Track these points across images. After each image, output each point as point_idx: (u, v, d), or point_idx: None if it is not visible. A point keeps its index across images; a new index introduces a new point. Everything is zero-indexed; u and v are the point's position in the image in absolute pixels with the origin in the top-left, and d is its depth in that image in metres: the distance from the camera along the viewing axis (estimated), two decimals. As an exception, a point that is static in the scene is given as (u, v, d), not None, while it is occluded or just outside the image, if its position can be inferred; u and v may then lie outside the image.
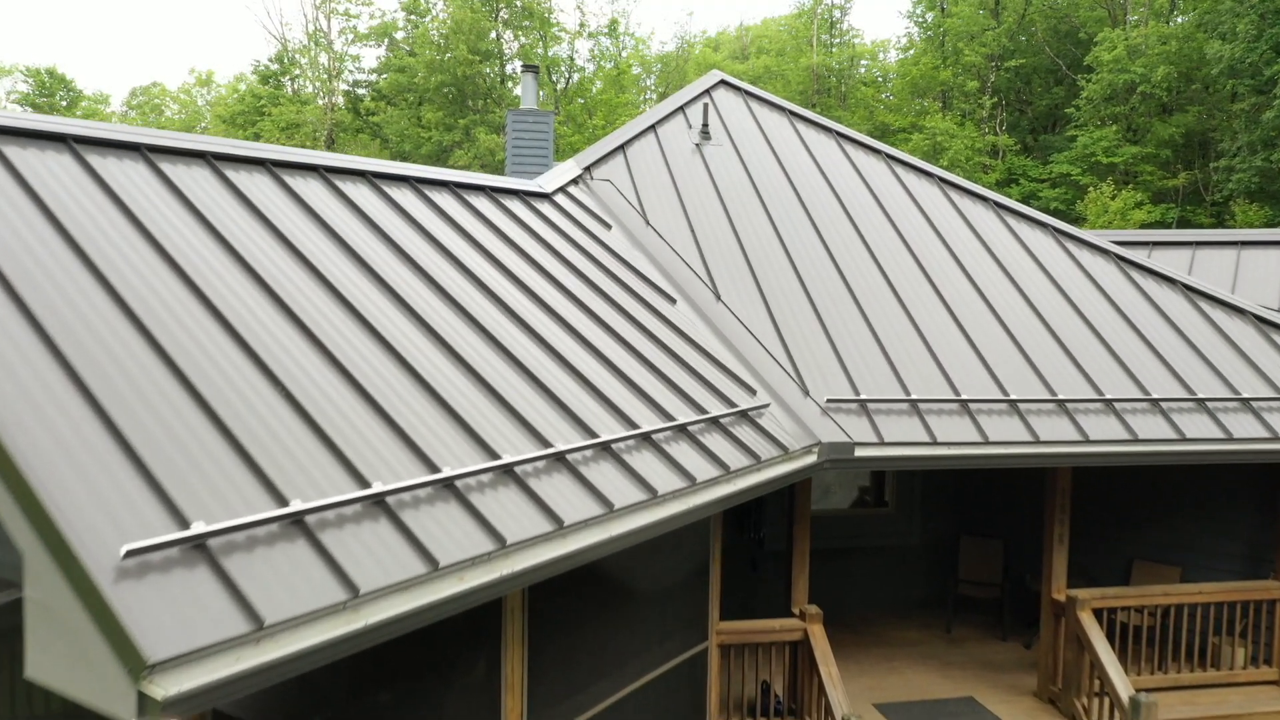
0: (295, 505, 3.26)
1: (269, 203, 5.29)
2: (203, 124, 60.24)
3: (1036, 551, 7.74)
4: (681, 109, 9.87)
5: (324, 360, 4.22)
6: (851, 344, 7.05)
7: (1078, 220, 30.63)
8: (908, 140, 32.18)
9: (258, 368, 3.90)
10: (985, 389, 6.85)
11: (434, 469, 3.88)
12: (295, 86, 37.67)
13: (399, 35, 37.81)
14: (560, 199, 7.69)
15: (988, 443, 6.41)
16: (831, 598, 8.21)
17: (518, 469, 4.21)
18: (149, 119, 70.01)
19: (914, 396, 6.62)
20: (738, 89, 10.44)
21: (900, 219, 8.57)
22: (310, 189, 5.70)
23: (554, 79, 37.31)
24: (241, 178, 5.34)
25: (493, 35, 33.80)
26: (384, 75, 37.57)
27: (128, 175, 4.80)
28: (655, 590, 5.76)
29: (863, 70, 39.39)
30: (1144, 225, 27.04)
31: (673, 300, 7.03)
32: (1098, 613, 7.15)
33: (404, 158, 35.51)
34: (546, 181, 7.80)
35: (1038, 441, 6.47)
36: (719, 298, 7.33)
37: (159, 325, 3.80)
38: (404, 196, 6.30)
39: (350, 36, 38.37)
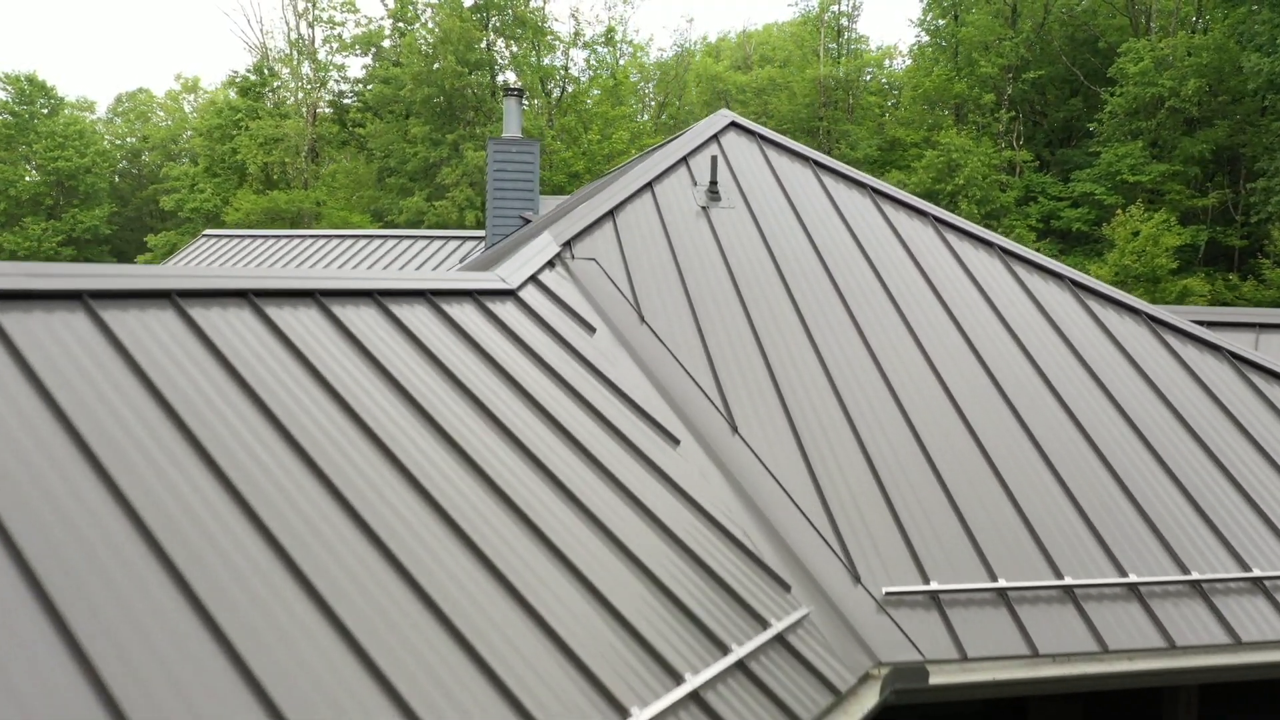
0: None
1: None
2: (187, 132, 58.58)
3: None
4: (684, 160, 8.13)
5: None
6: (912, 496, 5.32)
7: (1101, 243, 28.92)
8: (921, 157, 30.45)
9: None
10: (1092, 561, 5.12)
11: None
12: (276, 99, 35.91)
13: (385, 44, 36.05)
14: (530, 295, 5.94)
15: (1106, 653, 4.69)
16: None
17: None
18: (134, 126, 68.37)
19: (1002, 583, 4.89)
20: (751, 133, 8.70)
21: (961, 309, 6.82)
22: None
23: (549, 87, 35.58)
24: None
25: (483, 45, 32.04)
26: (369, 86, 35.82)
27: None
28: None
29: (869, 78, 37.66)
30: (1176, 250, 25.31)
31: (675, 440, 5.29)
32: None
33: (390, 174, 33.78)
34: (512, 272, 6.04)
35: (1173, 648, 4.74)
36: (735, 429, 5.60)
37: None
38: (305, 316, 4.57)
39: (334, 46, 36.61)
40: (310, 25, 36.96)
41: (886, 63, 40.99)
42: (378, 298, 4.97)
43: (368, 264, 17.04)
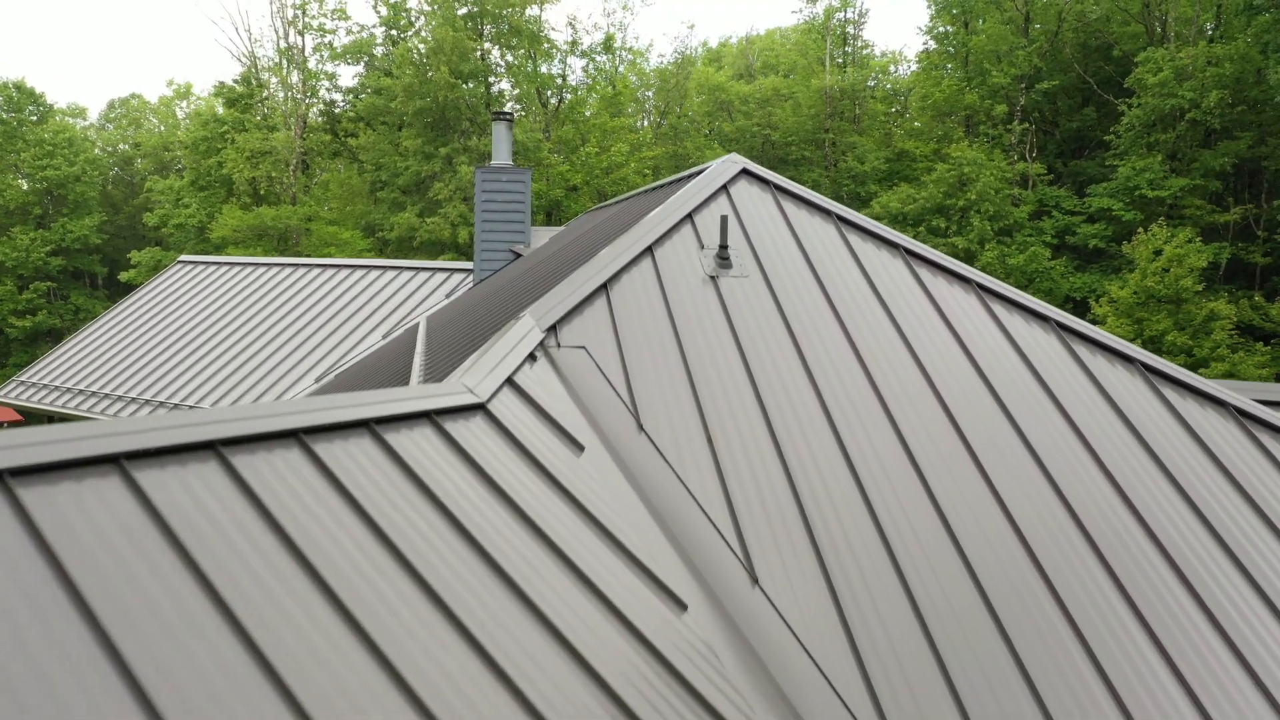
0: None
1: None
2: (178, 138, 57.57)
3: None
4: (690, 218, 7.07)
5: None
6: (988, 694, 4.25)
7: (1118, 259, 27.87)
8: (931, 170, 29.40)
9: None
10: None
11: None
12: (265, 110, 34.85)
13: (378, 52, 35.00)
14: (504, 406, 4.87)
15: None
16: None
17: None
18: (126, 132, 67.42)
19: (1100, 804, 3.84)
20: (765, 182, 7.64)
21: (1026, 418, 5.73)
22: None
23: (546, 95, 34.52)
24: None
25: (477, 55, 30.98)
26: (361, 96, 34.77)
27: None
28: None
29: (873, 84, 36.59)
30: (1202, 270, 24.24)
31: (683, 605, 4.23)
32: None
33: (381, 187, 32.74)
34: (482, 376, 4.96)
35: None
36: (755, 579, 4.54)
37: None
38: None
39: (325, 54, 35.55)
40: (300, 33, 35.90)
41: (892, 69, 39.96)
42: (301, 437, 3.91)
43: (346, 298, 15.99)
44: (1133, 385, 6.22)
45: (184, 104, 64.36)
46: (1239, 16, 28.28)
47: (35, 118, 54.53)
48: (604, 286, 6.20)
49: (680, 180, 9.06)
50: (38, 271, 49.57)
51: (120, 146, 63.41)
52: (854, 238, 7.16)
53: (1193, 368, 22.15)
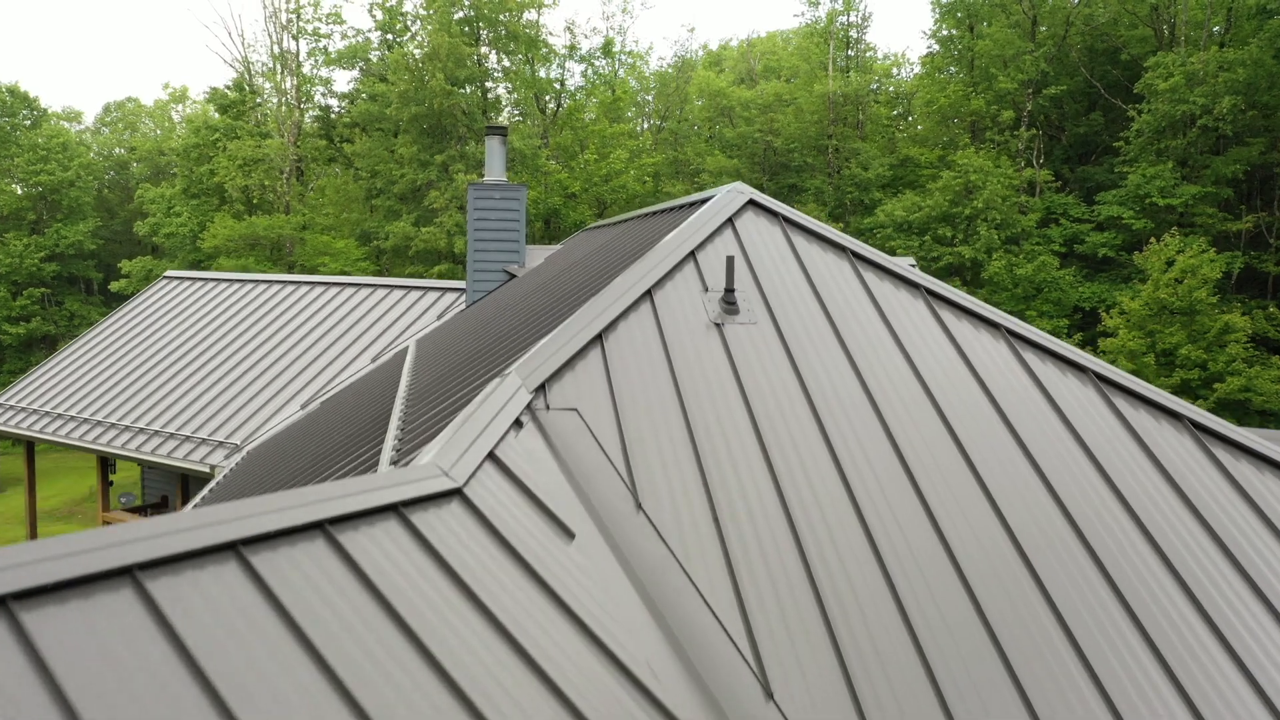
0: None
1: None
2: (173, 142, 57.03)
3: None
4: (692, 256, 6.51)
5: None
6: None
7: (1128, 268, 27.30)
8: (936, 177, 28.83)
9: None
10: None
11: None
12: (258, 116, 34.28)
13: (373, 57, 34.43)
14: (484, 488, 4.30)
15: None
16: None
17: None
18: (122, 136, 66.95)
19: None
20: (773, 214, 7.09)
21: (1078, 507, 5.16)
22: None
23: (544, 100, 33.95)
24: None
25: (473, 60, 30.41)
26: (355, 102, 34.21)
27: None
28: None
29: (875, 87, 36.00)
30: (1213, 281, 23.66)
31: (685, 732, 3.67)
32: None
33: (376, 195, 32.18)
34: (460, 452, 4.39)
35: None
36: (770, 694, 3.98)
37: None
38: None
39: (320, 59, 34.98)
40: (295, 38, 35.34)
41: (895, 71, 39.39)
42: (239, 549, 3.35)
43: (336, 318, 15.44)
44: (1179, 442, 5.66)
45: (180, 107, 63.89)
46: (1251, 20, 27.71)
47: (29, 122, 53.99)
48: (599, 338, 5.64)
49: (683, 207, 8.51)
50: (32, 277, 49.02)
51: (116, 150, 62.92)
52: (870, 276, 6.60)
53: (1207, 383, 21.60)
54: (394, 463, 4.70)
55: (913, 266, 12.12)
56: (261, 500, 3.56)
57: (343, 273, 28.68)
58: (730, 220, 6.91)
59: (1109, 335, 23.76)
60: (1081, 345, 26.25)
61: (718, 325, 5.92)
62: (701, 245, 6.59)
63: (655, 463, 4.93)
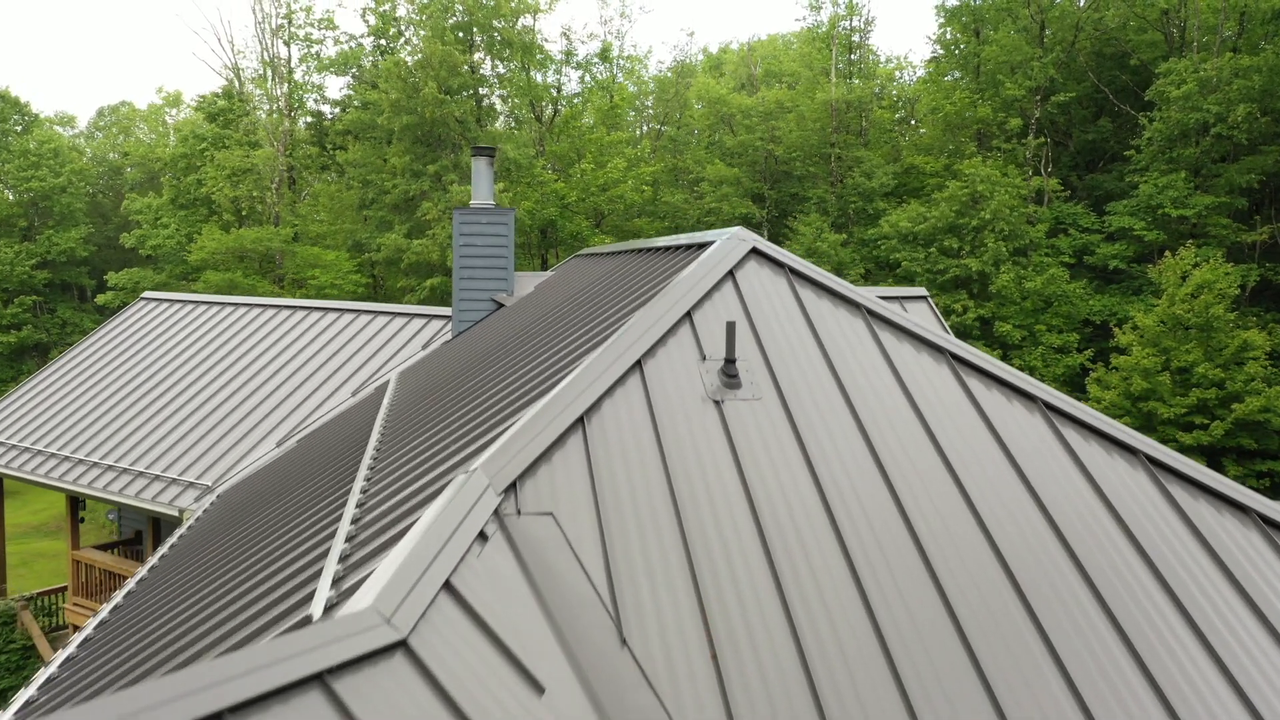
0: None
1: None
2: (168, 146, 56.39)
3: None
4: (688, 316, 5.78)
5: None
6: None
7: (1140, 280, 26.56)
8: (943, 188, 28.09)
9: None
10: None
11: None
12: (248, 124, 33.55)
13: (366, 63, 33.69)
14: (434, 636, 3.57)
15: None
16: None
17: None
18: (116, 140, 66.29)
19: None
20: (778, 264, 6.36)
21: (1135, 629, 4.44)
22: None
23: (541, 107, 33.21)
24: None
25: (466, 68, 29.68)
26: (348, 109, 33.49)
27: None
28: None
29: (879, 91, 35.26)
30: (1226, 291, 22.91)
31: None
32: None
33: (369, 204, 31.45)
34: (404, 596, 3.65)
35: None
36: None
37: None
38: None
39: (312, 65, 34.26)
40: (286, 43, 34.61)
41: (898, 75, 38.67)
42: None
43: (317, 345, 14.71)
44: (1246, 538, 4.94)
45: (174, 112, 63.22)
46: (1265, 25, 26.97)
47: (20, 128, 53.32)
48: (580, 421, 4.91)
49: (681, 249, 7.78)
50: (23, 285, 48.30)
51: (110, 155, 62.29)
52: (887, 337, 5.88)
53: (1225, 402, 20.84)
54: (329, 605, 3.97)
55: (924, 299, 11.39)
56: (153, 687, 2.86)
57: (333, 285, 27.96)
58: (731, 273, 6.18)
59: (1122, 352, 23.02)
60: (1093, 361, 25.50)
61: (716, 402, 5.20)
62: (699, 304, 5.87)
63: (643, 582, 4.21)
